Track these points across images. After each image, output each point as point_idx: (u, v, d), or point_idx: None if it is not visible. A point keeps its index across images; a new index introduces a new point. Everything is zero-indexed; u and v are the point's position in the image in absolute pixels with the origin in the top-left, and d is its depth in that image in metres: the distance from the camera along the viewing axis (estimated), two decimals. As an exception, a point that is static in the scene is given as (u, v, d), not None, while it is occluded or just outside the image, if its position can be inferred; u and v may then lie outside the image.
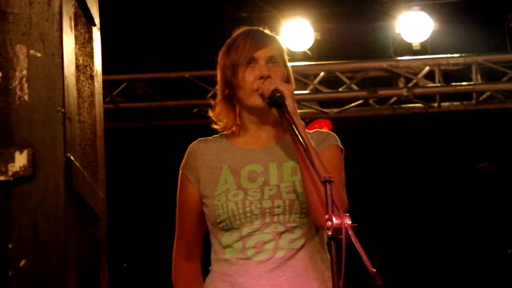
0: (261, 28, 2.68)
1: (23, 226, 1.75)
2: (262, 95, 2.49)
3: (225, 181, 2.55)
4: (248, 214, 2.49)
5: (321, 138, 2.60)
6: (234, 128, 2.63)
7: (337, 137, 2.63)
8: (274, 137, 2.62)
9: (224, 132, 2.66)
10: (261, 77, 2.53)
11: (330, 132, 2.65)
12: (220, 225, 2.53)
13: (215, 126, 2.66)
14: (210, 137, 2.68)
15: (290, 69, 2.67)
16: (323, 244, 2.57)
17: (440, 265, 8.07)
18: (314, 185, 2.37)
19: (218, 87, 2.65)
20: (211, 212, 2.54)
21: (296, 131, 2.36)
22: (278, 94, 2.44)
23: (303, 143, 2.33)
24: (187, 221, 2.65)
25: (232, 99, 2.61)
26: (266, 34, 2.65)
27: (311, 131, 2.63)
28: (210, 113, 2.65)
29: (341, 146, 2.62)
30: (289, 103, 2.43)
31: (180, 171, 2.66)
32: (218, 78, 2.65)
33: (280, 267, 2.48)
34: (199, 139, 2.68)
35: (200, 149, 2.63)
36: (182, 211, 2.66)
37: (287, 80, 2.60)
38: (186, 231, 2.66)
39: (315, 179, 2.31)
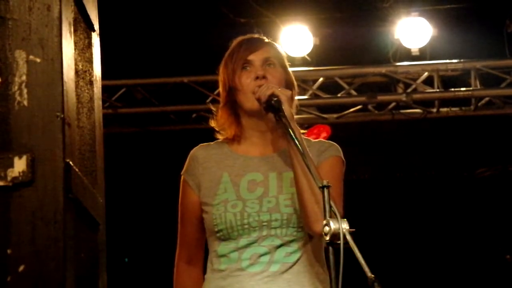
0: (256, 35, 2.70)
1: (21, 231, 1.75)
2: (259, 100, 2.50)
3: (225, 190, 2.55)
4: (246, 226, 2.49)
5: (323, 148, 2.60)
6: (235, 136, 2.63)
7: (340, 148, 2.63)
8: (275, 145, 2.62)
9: (226, 139, 2.66)
10: (257, 77, 2.54)
11: (333, 143, 2.65)
12: (218, 234, 2.53)
13: (218, 136, 2.66)
14: (212, 143, 2.68)
15: (291, 74, 2.67)
16: (319, 258, 2.57)
17: (438, 270, 8.07)
18: (310, 191, 2.37)
19: (220, 97, 2.67)
20: (209, 221, 2.54)
21: (293, 136, 2.36)
22: (275, 99, 2.45)
23: (299, 148, 2.33)
24: (188, 226, 2.65)
25: (233, 105, 2.62)
26: (260, 39, 2.67)
27: (314, 140, 2.64)
28: (212, 123, 2.66)
29: (343, 159, 2.61)
30: (286, 108, 2.43)
31: (182, 176, 2.66)
32: (220, 88, 2.66)
33: (274, 281, 2.48)
34: (200, 144, 2.68)
35: (201, 155, 2.64)
36: (183, 216, 2.66)
37: (288, 84, 2.61)
38: (188, 236, 2.66)
39: (312, 184, 2.31)
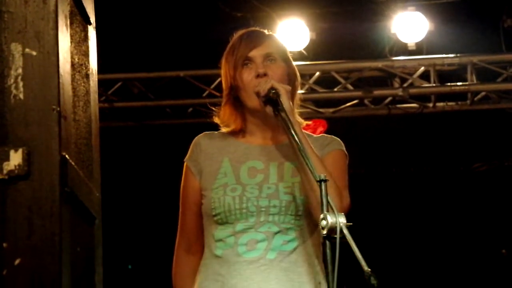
0: (257, 28, 2.69)
1: (17, 225, 1.75)
2: (258, 94, 2.49)
3: (225, 174, 2.56)
4: (244, 211, 2.49)
5: (326, 142, 2.62)
6: (240, 130, 2.64)
7: (341, 142, 2.64)
8: (278, 138, 2.63)
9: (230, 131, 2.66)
10: (258, 75, 2.54)
11: (335, 137, 2.66)
12: (215, 218, 2.53)
13: (223, 130, 2.66)
14: (216, 132, 2.69)
15: (294, 66, 2.67)
16: (317, 247, 2.57)
17: (435, 265, 8.08)
18: (310, 185, 2.38)
19: (223, 92, 2.66)
20: (207, 204, 2.54)
21: (291, 130, 2.36)
22: (273, 92, 2.45)
23: (297, 141, 2.33)
24: (188, 213, 2.65)
25: (236, 102, 2.61)
26: (261, 33, 2.66)
27: (316, 135, 2.64)
28: (216, 120, 2.66)
29: (346, 152, 2.62)
30: (284, 101, 2.43)
31: (185, 163, 2.66)
32: (223, 84, 2.66)
33: (271, 269, 2.48)
34: (205, 132, 2.69)
35: (204, 142, 2.65)
36: (184, 203, 2.66)
37: (290, 77, 2.61)
38: (188, 223, 2.66)
39: (311, 178, 2.31)
